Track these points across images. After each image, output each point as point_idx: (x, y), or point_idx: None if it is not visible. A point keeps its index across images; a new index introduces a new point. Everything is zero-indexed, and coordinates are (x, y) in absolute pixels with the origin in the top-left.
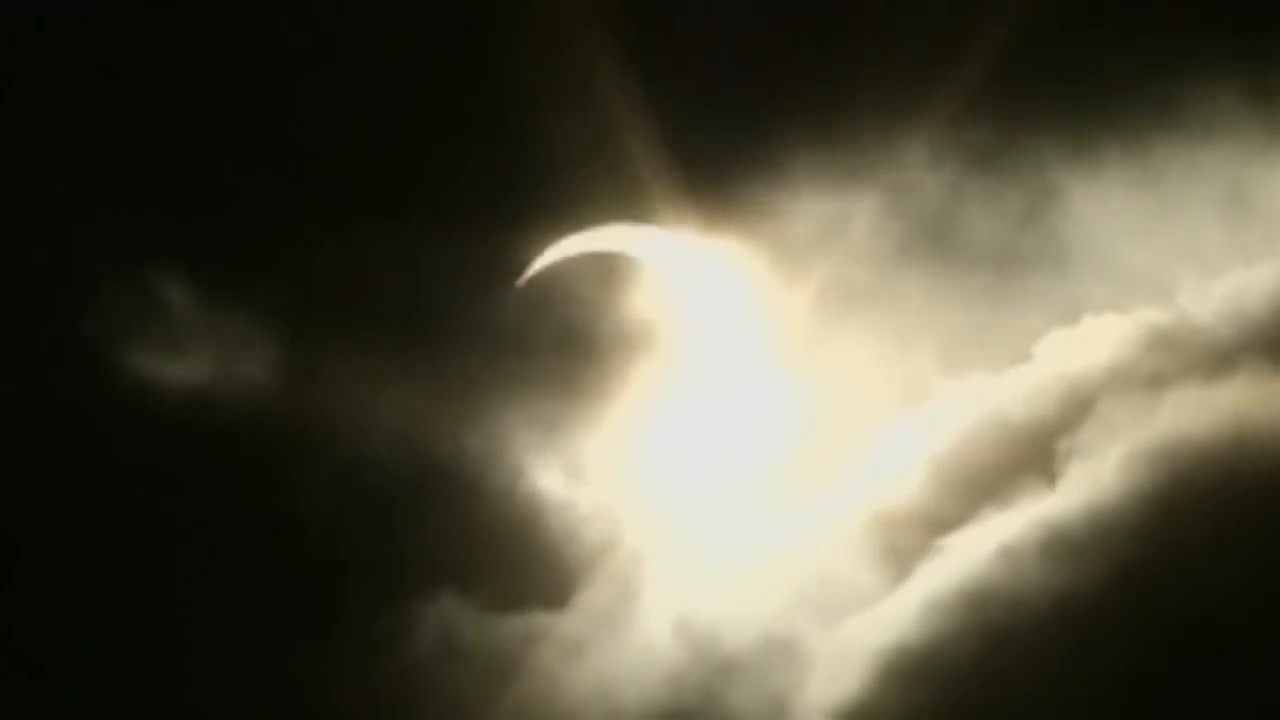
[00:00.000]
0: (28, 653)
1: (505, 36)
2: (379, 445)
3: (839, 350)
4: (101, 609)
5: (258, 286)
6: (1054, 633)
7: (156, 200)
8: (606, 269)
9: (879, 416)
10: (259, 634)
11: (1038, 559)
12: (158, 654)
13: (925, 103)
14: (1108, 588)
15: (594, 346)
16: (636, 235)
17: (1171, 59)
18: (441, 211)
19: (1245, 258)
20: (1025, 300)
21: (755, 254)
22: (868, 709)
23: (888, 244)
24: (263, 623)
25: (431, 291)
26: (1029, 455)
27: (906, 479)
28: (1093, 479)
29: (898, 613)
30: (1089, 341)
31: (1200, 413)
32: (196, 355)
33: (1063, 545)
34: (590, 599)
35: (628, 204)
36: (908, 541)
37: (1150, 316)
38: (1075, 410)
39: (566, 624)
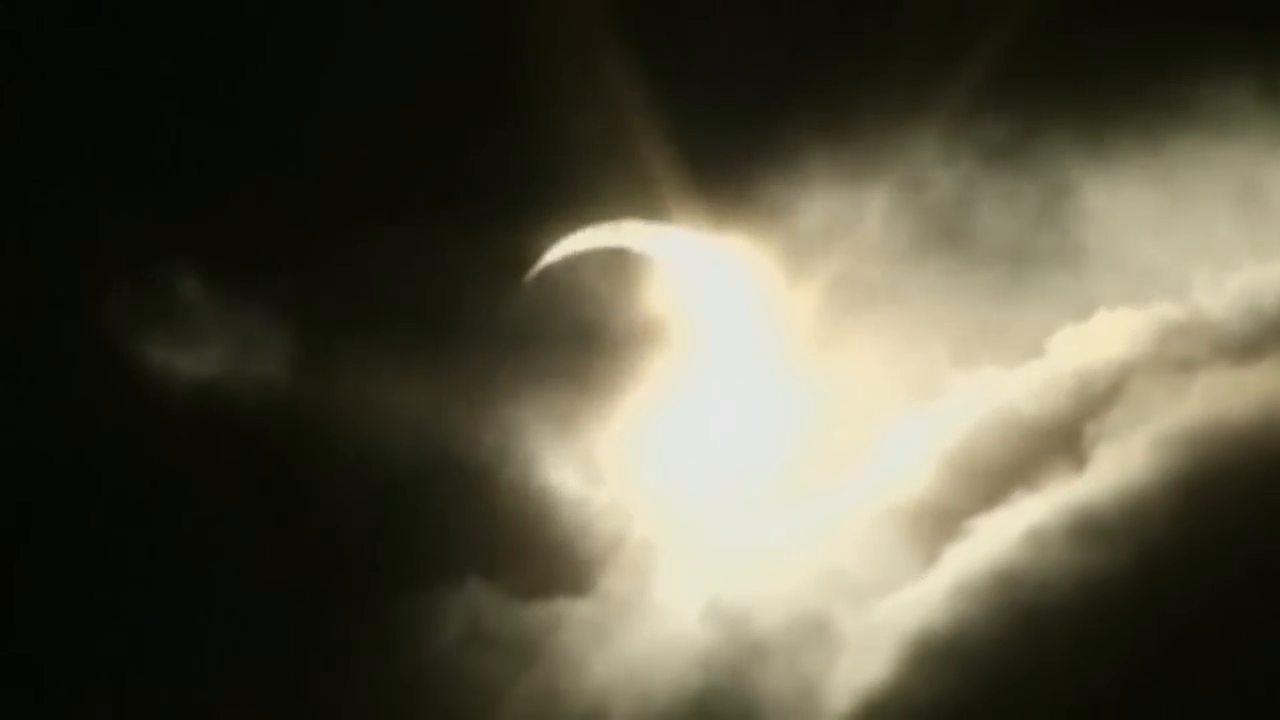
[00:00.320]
0: (44, 647)
1: (517, 32)
2: (392, 439)
3: (851, 346)
4: (119, 602)
5: (271, 281)
6: (1082, 616)
7: (169, 196)
8: (618, 264)
9: (891, 412)
10: (280, 625)
11: (1066, 543)
12: (179, 646)
13: (938, 99)
14: (1136, 571)
15: (606, 341)
16: (647, 231)
17: (1185, 56)
18: (453, 207)
19: (1259, 253)
20: (1039, 296)
21: (767, 250)
22: (895, 692)
23: (901, 240)
24: (283, 613)
25: (443, 286)
26: (1042, 449)
27: (920, 472)
28: (1121, 463)
29: (925, 597)
30: (1103, 336)
31: (1230, 396)
32: (210, 349)
33: (1091, 529)
34: (615, 585)
35: (639, 200)
36: (928, 531)
37: (1165, 311)
38: (1090, 403)
39: (592, 610)
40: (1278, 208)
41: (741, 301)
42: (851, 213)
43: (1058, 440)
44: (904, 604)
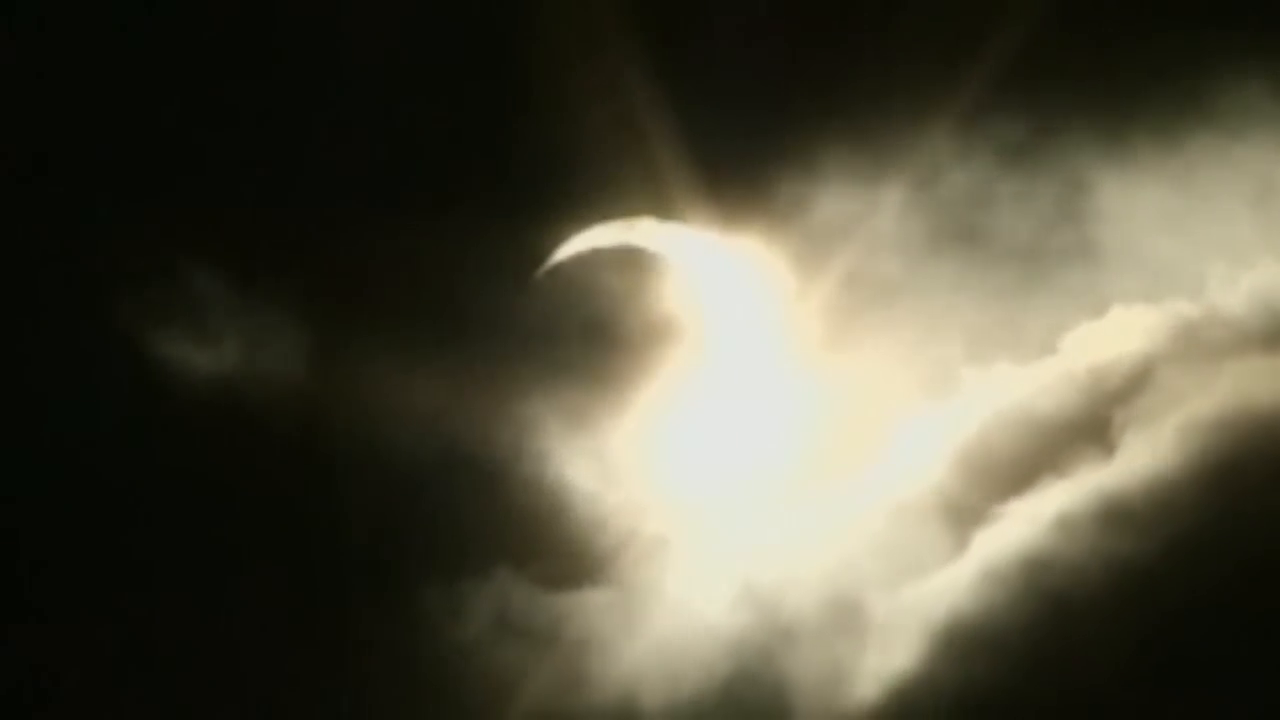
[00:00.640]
0: (62, 639)
1: (530, 30)
2: (407, 434)
3: (866, 343)
4: (140, 595)
5: (287, 278)
6: (1110, 603)
7: (186, 195)
8: (631, 261)
9: (905, 409)
10: (298, 617)
11: (1094, 529)
12: (202, 637)
13: (953, 97)
14: (1164, 558)
15: (620, 338)
16: (661, 229)
17: (1202, 55)
18: (467, 204)
19: (1275, 251)
20: (1055, 294)
21: (782, 247)
22: (923, 678)
23: (916, 237)
24: (301, 605)
25: (456, 283)
26: (1059, 444)
27: (934, 467)
28: (1150, 450)
29: (954, 583)
30: (1119, 333)
31: (1257, 384)
32: (228, 346)
33: (1119, 516)
34: (641, 573)
35: (653, 198)
36: (942, 525)
37: (1180, 308)
38: (1106, 398)
39: (619, 598)
40: None
41: (755, 298)
42: (867, 210)
43: (1073, 436)
44: (931, 590)
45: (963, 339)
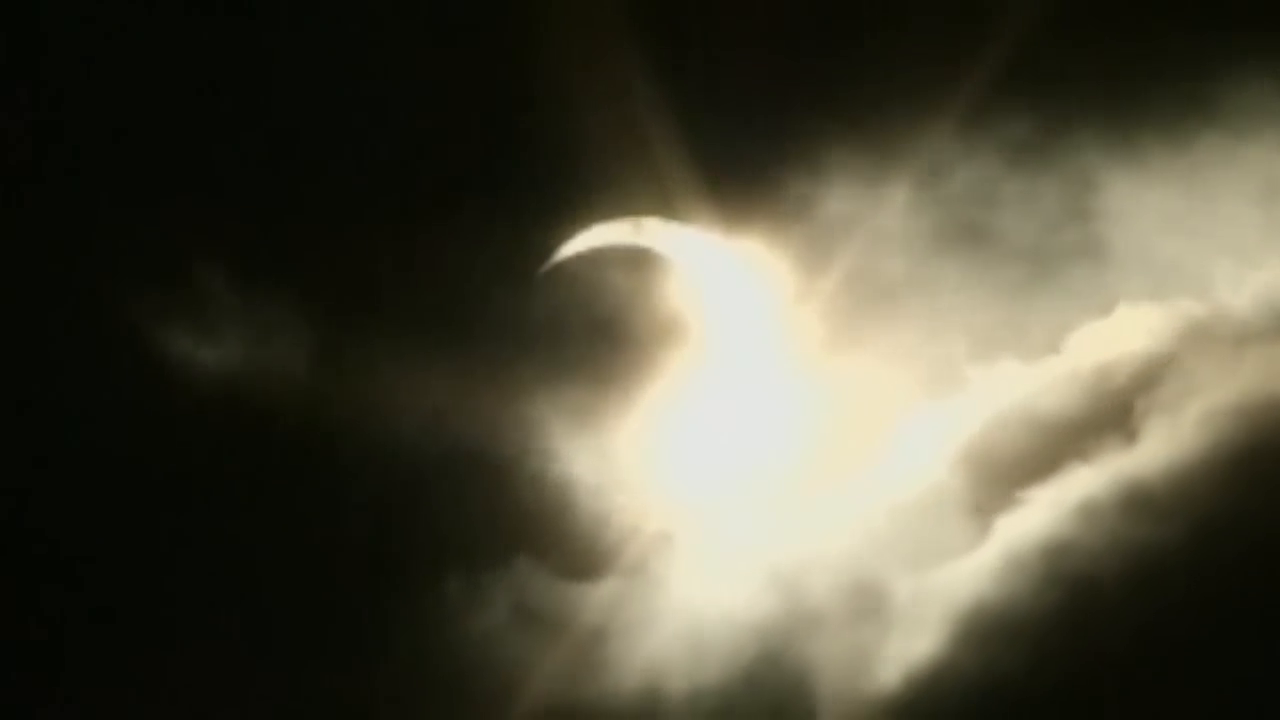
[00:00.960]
0: (74, 634)
1: (536, 27)
2: (412, 431)
3: (873, 341)
4: (158, 586)
5: (292, 277)
6: (1132, 588)
7: (193, 191)
8: (635, 260)
9: (909, 408)
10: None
11: (1117, 515)
12: (218, 630)
13: (960, 96)
14: (1186, 543)
15: (624, 336)
16: (665, 227)
17: (1210, 55)
18: (473, 201)
19: None
20: (1061, 293)
21: (787, 246)
22: (945, 664)
23: (923, 236)
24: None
25: (460, 281)
26: (1061, 442)
27: (938, 465)
28: (1172, 436)
29: (975, 569)
30: (1124, 332)
31: (1278, 371)
32: (233, 343)
33: (1142, 502)
34: (659, 562)
35: (657, 197)
36: (949, 526)
37: (1187, 307)
38: (1110, 397)
39: (636, 588)
40: None
41: (761, 296)
42: (873, 209)
43: (1090, 428)
44: (953, 577)
45: (970, 337)
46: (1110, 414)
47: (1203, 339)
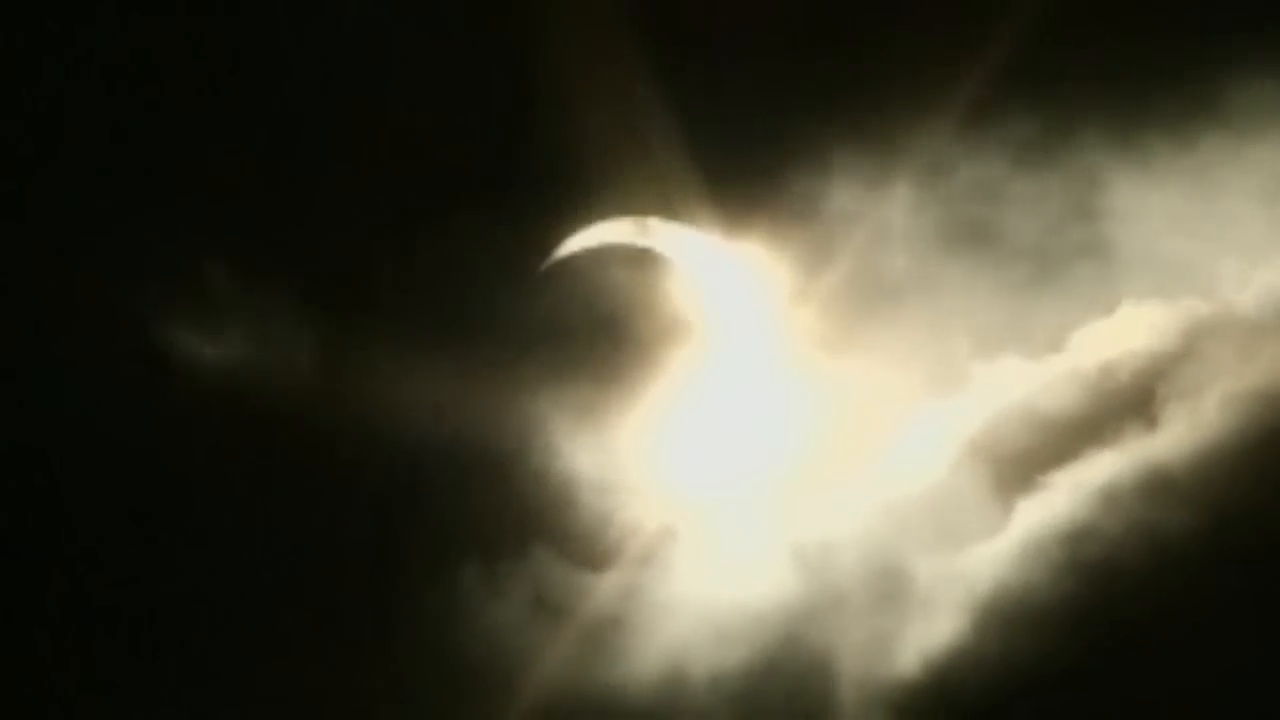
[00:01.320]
0: (79, 633)
1: (538, 26)
2: (414, 426)
3: (875, 341)
4: (175, 578)
5: (297, 272)
6: (1153, 574)
7: (198, 187)
8: (638, 258)
9: (916, 403)
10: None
11: (1137, 500)
12: (232, 621)
13: (964, 94)
14: (1208, 528)
15: (626, 333)
16: (667, 225)
17: (1216, 54)
18: (476, 199)
19: None
20: (1066, 292)
21: (790, 244)
22: (965, 649)
23: (927, 235)
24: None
25: (464, 278)
26: (1067, 438)
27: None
28: (1193, 421)
29: (995, 555)
30: (1129, 330)
31: None
32: (237, 338)
33: (1162, 487)
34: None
35: (660, 195)
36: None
37: (1192, 306)
38: (1115, 397)
39: (654, 576)
40: None
41: (764, 294)
42: (876, 207)
43: (1075, 433)
44: (972, 563)
45: (975, 336)
46: (1119, 409)
47: (1208, 337)
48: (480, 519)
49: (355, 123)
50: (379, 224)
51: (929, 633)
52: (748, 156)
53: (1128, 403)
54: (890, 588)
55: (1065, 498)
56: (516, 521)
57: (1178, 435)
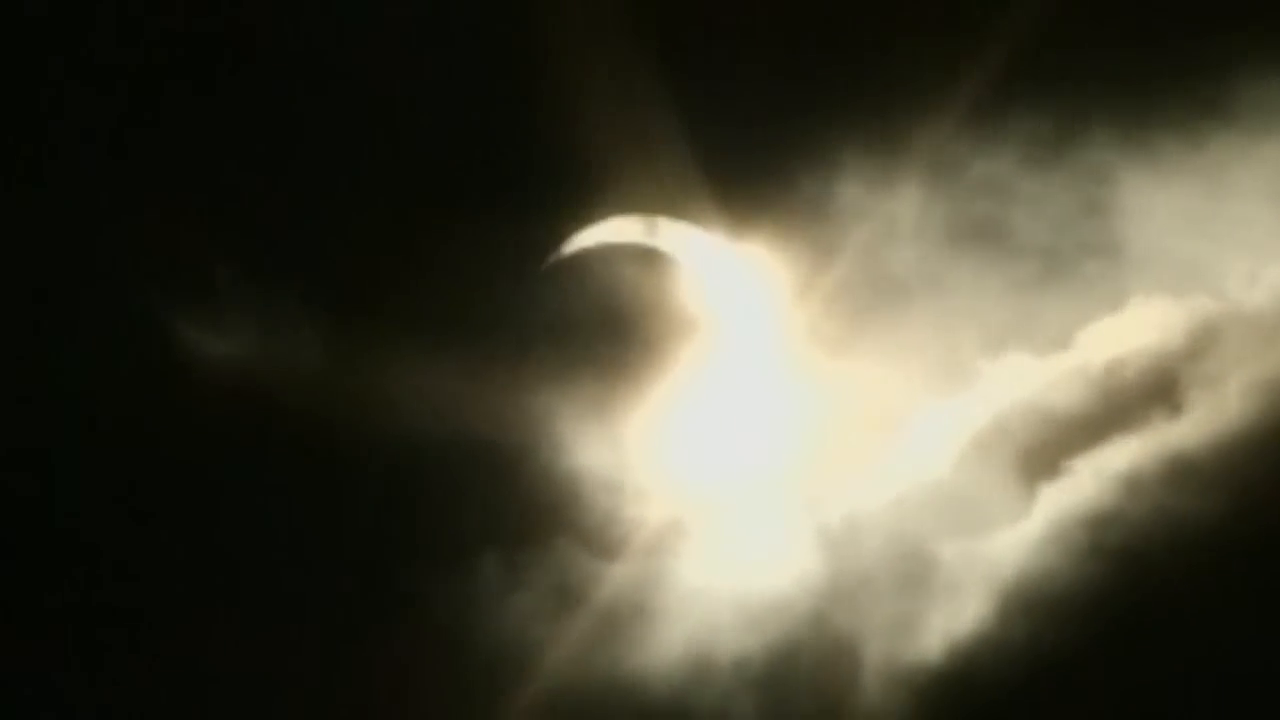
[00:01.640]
0: (91, 628)
1: (544, 25)
2: (421, 421)
3: (883, 338)
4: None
5: (304, 270)
6: (1176, 561)
7: (205, 185)
8: (645, 255)
9: (920, 403)
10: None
11: (1160, 487)
12: (254, 612)
13: (974, 92)
14: (1231, 514)
15: (633, 330)
16: (674, 224)
17: (1226, 52)
18: (483, 196)
19: None
20: (1075, 289)
21: (798, 242)
22: (988, 635)
23: (936, 233)
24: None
25: (469, 275)
26: (1068, 435)
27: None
28: (1216, 408)
29: (1018, 541)
30: (1137, 327)
31: None
32: (246, 333)
33: (1186, 473)
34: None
35: (669, 193)
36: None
37: (1201, 304)
38: (1120, 393)
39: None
40: None
41: (770, 290)
42: (884, 204)
43: (1087, 426)
44: (996, 549)
45: (983, 333)
46: (1137, 399)
47: (1216, 334)
48: (499, 511)
49: (364, 121)
50: (389, 221)
51: (952, 618)
52: (757, 153)
53: (1147, 392)
54: (914, 573)
55: (1089, 484)
56: (537, 514)
57: (1202, 422)
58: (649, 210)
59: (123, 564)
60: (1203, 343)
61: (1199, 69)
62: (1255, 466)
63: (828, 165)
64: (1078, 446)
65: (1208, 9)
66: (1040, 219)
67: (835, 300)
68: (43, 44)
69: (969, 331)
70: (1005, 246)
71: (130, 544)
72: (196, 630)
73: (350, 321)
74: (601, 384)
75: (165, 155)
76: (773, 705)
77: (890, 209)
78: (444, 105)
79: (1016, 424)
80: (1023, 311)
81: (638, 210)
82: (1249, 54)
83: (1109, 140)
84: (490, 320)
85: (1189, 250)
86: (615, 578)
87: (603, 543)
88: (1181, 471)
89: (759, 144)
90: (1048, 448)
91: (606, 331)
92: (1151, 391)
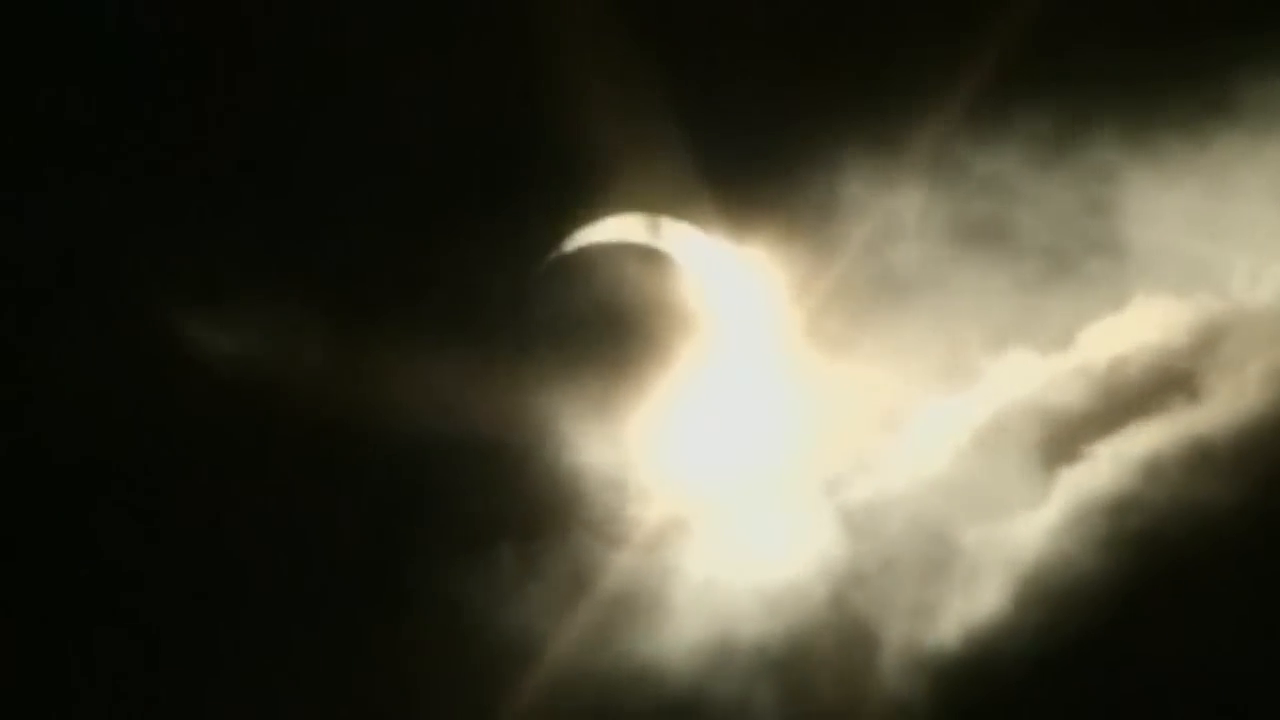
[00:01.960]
0: (98, 625)
1: (545, 25)
2: (425, 418)
3: (885, 336)
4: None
5: (308, 268)
6: (1195, 548)
7: (211, 184)
8: (647, 254)
9: (923, 400)
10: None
11: (1180, 473)
12: (262, 610)
13: (977, 90)
14: (1249, 500)
15: (633, 328)
16: (676, 223)
17: (1232, 54)
18: (484, 195)
19: None
20: (1079, 287)
21: (800, 239)
22: (1005, 623)
23: (939, 231)
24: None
25: (472, 274)
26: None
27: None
28: (1236, 394)
29: (1038, 526)
30: (1140, 325)
31: None
32: (247, 332)
33: (1205, 460)
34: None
35: (671, 192)
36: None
37: (1205, 302)
38: (1122, 392)
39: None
40: None
41: (773, 289)
42: (888, 202)
43: (1075, 430)
44: (1015, 534)
45: (987, 332)
46: (1148, 393)
47: (1219, 333)
48: (505, 508)
49: (367, 120)
50: (393, 220)
51: (970, 603)
52: (758, 152)
53: (1148, 390)
54: (931, 559)
55: (1106, 469)
56: (542, 511)
57: (1221, 408)
58: (650, 209)
59: (133, 563)
60: (1206, 342)
61: (1202, 68)
62: (1272, 452)
63: (830, 164)
64: (1083, 440)
65: (1211, 8)
66: (1043, 218)
67: (837, 299)
68: (43, 44)
69: (971, 331)
70: (1008, 246)
71: (137, 543)
72: (204, 629)
73: (355, 320)
74: (603, 382)
75: (168, 155)
76: (791, 691)
77: (893, 208)
78: (446, 105)
79: (1019, 422)
80: (1025, 311)
81: (639, 209)
82: (1253, 53)
83: (1112, 139)
84: (492, 318)
85: (1192, 249)
86: (628, 568)
87: (613, 535)
88: (1199, 457)
89: (760, 143)
90: (1059, 438)
91: (608, 330)
92: (1153, 389)
